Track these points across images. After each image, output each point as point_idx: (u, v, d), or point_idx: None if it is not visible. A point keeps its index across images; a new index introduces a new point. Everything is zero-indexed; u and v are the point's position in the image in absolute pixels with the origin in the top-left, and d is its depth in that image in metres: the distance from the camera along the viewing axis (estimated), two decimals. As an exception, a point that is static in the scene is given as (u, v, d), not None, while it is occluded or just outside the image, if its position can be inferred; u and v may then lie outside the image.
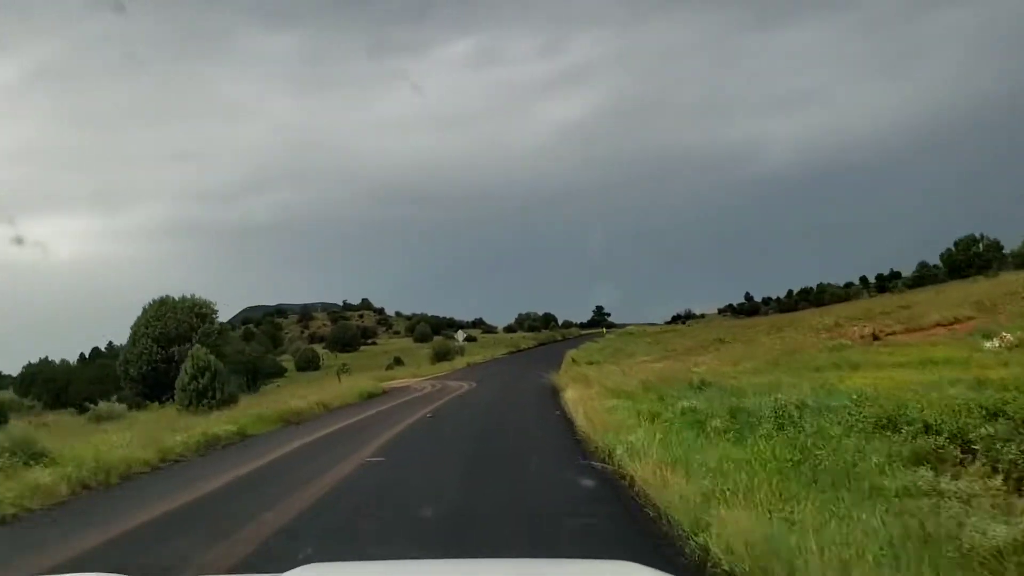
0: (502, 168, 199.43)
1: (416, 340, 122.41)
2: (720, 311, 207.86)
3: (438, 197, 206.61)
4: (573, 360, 42.22)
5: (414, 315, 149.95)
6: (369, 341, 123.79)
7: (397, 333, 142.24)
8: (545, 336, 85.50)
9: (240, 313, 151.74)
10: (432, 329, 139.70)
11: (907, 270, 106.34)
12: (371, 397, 29.64)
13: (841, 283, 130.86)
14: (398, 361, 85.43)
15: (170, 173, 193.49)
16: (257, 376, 68.83)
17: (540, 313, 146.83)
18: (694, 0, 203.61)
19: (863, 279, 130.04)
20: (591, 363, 39.49)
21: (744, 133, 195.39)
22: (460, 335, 66.00)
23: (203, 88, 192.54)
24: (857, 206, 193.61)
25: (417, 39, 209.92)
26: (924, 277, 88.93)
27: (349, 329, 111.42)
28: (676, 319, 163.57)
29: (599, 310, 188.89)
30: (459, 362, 55.67)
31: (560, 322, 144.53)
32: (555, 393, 22.90)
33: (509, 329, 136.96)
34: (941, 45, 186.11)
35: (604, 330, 78.19)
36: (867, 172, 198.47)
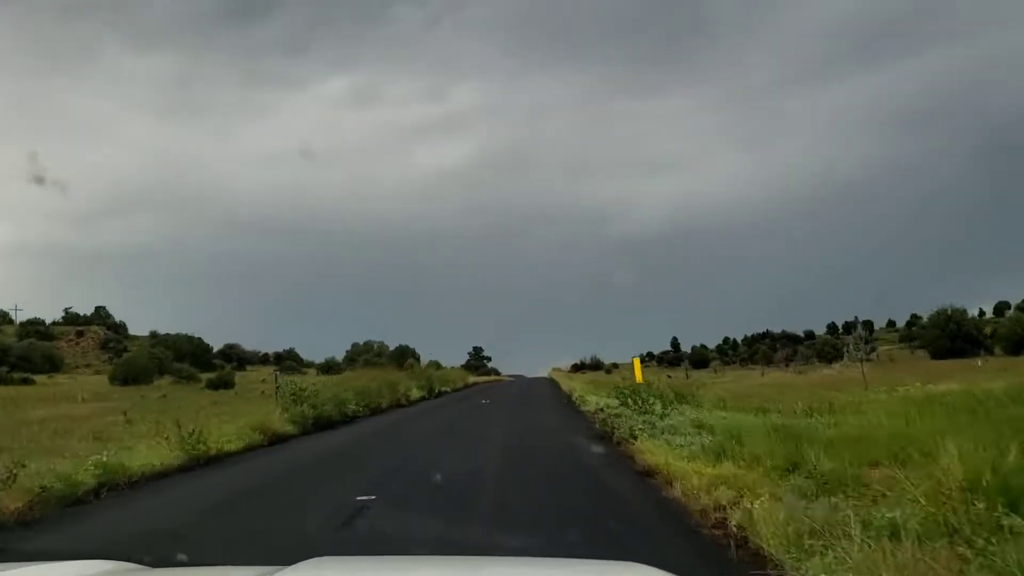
0: (373, 208, 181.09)
1: (121, 381, 59.42)
2: (642, 359, 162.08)
3: (301, 232, 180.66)
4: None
5: (175, 335, 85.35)
6: (23, 378, 59.24)
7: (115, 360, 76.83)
8: (381, 379, 26.09)
9: None
10: (194, 358, 76.76)
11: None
12: None
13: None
14: None
15: (18, 193, 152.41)
16: None
17: (391, 346, 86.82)
18: (574, 60, 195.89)
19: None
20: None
21: (614, 194, 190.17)
22: None
23: (61, 105, 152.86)
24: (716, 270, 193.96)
25: (295, 72, 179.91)
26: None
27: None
28: (579, 367, 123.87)
29: (477, 351, 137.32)
30: None
31: (424, 360, 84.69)
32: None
33: (330, 368, 75.58)
34: (797, 125, 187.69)
35: (637, 359, 21.30)
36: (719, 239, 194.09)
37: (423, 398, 31.31)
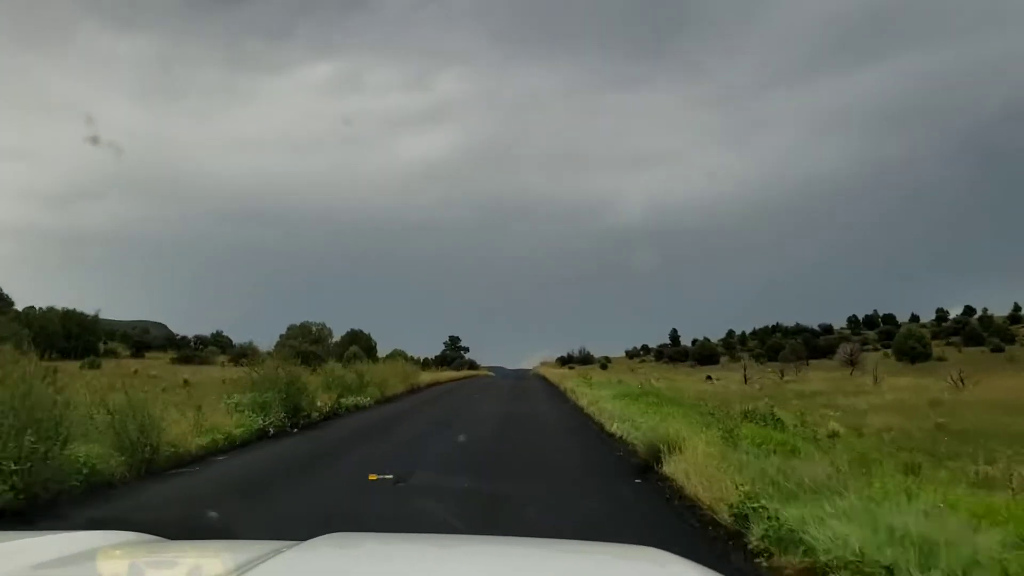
0: (354, 198, 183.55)
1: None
2: (630, 354, 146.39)
3: (280, 220, 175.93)
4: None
5: (46, 311, 66.35)
6: None
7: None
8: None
9: None
10: (70, 339, 58.46)
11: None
12: None
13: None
14: None
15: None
16: None
17: (338, 332, 68.56)
18: (559, 53, 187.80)
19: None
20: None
21: (600, 186, 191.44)
22: None
23: (38, 84, 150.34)
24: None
25: (278, 57, 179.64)
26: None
27: None
28: (566, 361, 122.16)
29: (453, 341, 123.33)
30: None
31: (387, 350, 67.09)
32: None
33: (243, 356, 57.13)
34: (780, 123, 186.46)
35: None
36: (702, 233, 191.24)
37: (264, 434, 13.49)
